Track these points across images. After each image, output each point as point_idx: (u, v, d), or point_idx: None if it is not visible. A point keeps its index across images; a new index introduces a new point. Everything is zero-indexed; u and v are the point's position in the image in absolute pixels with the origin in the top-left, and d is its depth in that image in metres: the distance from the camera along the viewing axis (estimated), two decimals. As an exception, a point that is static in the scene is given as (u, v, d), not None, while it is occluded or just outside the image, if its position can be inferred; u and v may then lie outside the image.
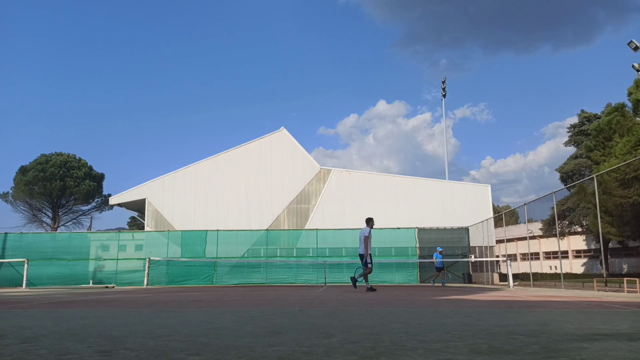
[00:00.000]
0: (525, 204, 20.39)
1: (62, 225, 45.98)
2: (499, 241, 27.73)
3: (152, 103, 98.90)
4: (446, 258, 26.42)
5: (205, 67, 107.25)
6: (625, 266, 39.42)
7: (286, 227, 32.50)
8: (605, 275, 18.37)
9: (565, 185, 37.71)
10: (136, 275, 24.14)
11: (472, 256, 27.14)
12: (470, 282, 25.04)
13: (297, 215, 33.83)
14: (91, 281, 23.92)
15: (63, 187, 43.50)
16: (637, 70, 27.96)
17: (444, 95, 46.84)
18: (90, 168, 46.83)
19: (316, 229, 26.99)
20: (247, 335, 3.39)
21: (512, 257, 24.21)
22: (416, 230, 26.58)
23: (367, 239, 12.32)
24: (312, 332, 3.57)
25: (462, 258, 26.62)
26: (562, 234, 39.42)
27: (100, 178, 47.70)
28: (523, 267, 32.81)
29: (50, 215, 45.92)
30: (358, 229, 26.60)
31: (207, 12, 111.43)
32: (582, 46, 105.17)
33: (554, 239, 36.20)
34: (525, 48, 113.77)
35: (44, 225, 45.51)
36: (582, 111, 43.75)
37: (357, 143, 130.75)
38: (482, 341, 3.04)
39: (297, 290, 14.17)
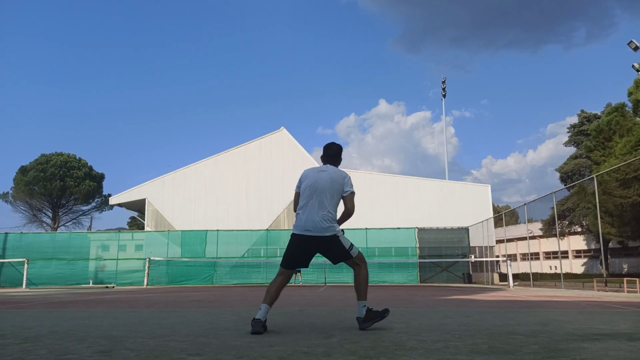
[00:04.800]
0: (525, 204, 20.39)
1: (62, 225, 45.95)
2: (499, 241, 27.73)
3: (152, 103, 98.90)
4: (446, 258, 26.46)
5: (205, 67, 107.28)
6: (625, 266, 39.40)
7: (286, 227, 32.46)
8: (605, 275, 18.38)
9: (565, 185, 37.72)
10: (136, 275, 24.13)
11: (472, 256, 27.14)
12: (470, 282, 25.03)
13: (297, 215, 33.78)
14: (91, 281, 23.91)
15: (63, 187, 43.49)
16: (637, 70, 27.95)
17: (444, 95, 46.88)
18: (90, 168, 46.82)
19: (316, 229, 26.94)
20: (247, 336, 3.39)
21: (512, 257, 24.21)
22: (416, 230, 26.58)
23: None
24: (312, 333, 3.57)
25: (462, 258, 26.62)
26: (562, 234, 39.41)
27: (100, 178, 47.69)
28: (523, 267, 32.81)
29: (50, 215, 45.90)
30: (358, 229, 26.83)
31: (207, 12, 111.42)
32: (592, 45, 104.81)
33: (554, 239, 36.19)
34: (529, 47, 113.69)
35: (44, 225, 45.50)
36: (582, 111, 43.72)
37: (356, 142, 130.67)
38: (482, 341, 3.04)
39: (297, 290, 14.17)
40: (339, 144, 4.45)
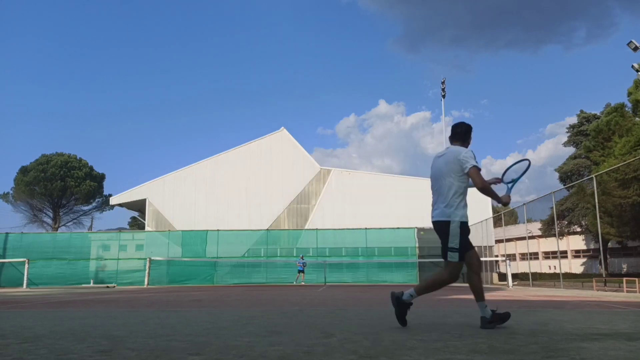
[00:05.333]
0: (524, 204, 20.43)
1: (62, 225, 45.93)
2: (498, 241, 27.73)
3: (152, 103, 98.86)
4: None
5: (205, 66, 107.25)
6: (624, 266, 39.43)
7: (286, 227, 32.49)
8: (604, 275, 18.38)
9: (564, 185, 37.74)
10: (137, 275, 24.12)
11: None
12: (470, 282, 25.01)
13: (297, 215, 33.83)
14: (92, 281, 23.91)
15: (64, 187, 43.48)
16: (637, 71, 27.92)
17: (444, 96, 46.80)
18: (91, 168, 46.81)
19: (316, 229, 26.98)
20: (247, 335, 3.40)
21: (511, 257, 24.22)
22: (416, 230, 26.58)
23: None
24: (312, 332, 3.58)
25: (462, 258, 26.58)
26: (561, 234, 39.41)
27: (100, 178, 47.68)
28: (522, 267, 32.85)
29: (51, 215, 45.88)
30: (358, 229, 26.87)
31: (207, 12, 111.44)
32: (592, 45, 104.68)
33: (553, 239, 36.25)
34: (529, 47, 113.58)
35: (45, 225, 45.47)
36: (582, 111, 43.74)
37: (355, 142, 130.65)
38: (481, 341, 3.05)
39: (297, 290, 14.18)
40: (468, 124, 4.24)
